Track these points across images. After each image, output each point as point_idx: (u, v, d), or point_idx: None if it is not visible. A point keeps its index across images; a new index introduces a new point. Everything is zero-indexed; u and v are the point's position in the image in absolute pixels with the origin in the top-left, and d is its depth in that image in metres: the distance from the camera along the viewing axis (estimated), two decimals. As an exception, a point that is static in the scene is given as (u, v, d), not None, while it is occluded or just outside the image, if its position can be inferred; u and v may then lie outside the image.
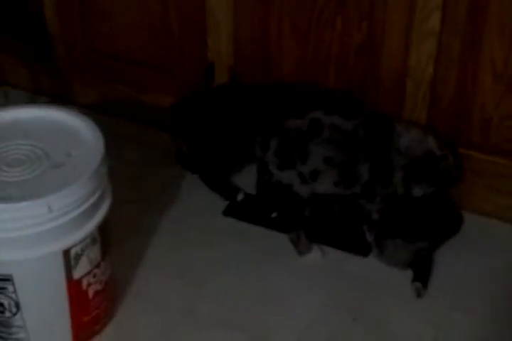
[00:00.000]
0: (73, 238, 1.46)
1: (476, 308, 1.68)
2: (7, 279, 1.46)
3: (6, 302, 1.50)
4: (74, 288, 1.51)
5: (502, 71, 1.68)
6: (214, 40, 1.94)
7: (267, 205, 1.86)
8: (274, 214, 1.84)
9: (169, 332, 1.64)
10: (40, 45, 2.16)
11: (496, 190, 1.82)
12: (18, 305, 1.50)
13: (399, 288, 1.72)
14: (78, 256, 1.48)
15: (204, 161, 1.91)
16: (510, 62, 1.66)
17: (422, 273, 1.73)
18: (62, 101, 2.14)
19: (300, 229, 1.77)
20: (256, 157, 1.77)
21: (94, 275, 1.54)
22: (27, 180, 1.44)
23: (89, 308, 1.58)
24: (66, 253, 1.46)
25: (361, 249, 1.80)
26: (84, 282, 1.53)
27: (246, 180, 1.93)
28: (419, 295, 1.70)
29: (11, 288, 1.47)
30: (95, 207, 1.49)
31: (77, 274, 1.50)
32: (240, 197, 1.91)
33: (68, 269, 1.48)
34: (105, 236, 1.55)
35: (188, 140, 1.89)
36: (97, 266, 1.54)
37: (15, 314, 1.52)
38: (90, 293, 1.55)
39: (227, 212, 1.91)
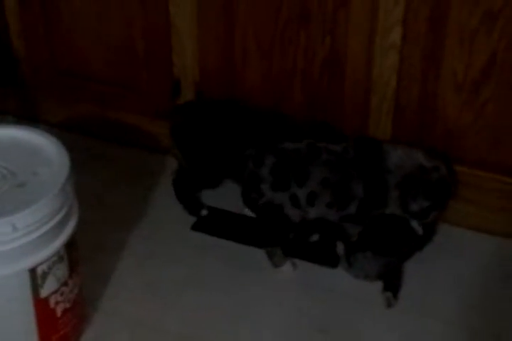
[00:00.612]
0: (39, 256, 1.45)
1: (445, 316, 1.69)
2: (-27, 298, 1.45)
3: (-28, 322, 1.49)
4: (41, 306, 1.51)
5: (462, 82, 1.70)
6: (179, 57, 1.95)
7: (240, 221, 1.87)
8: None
9: (138, 348, 1.64)
10: (5, 67, 2.16)
11: (459, 198, 1.84)
12: (-16, 325, 1.50)
13: (368, 299, 1.73)
14: (45, 275, 1.48)
15: (193, 169, 1.91)
16: (470, 73, 1.69)
17: (392, 284, 1.74)
18: (29, 120, 2.13)
19: (278, 245, 1.78)
20: (241, 171, 1.76)
21: (62, 294, 1.54)
22: (-9, 199, 1.44)
23: (58, 326, 1.56)
24: (32, 271, 1.45)
25: (330, 261, 1.81)
26: (52, 300, 1.52)
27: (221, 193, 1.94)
28: (389, 305, 1.71)
29: (-23, 307, 1.47)
30: (61, 224, 1.48)
31: (44, 292, 1.49)
32: (203, 212, 1.91)
33: (35, 287, 1.47)
34: (72, 253, 1.54)
35: (184, 150, 1.89)
36: (65, 283, 1.53)
37: (-18, 333, 1.51)
38: (58, 311, 1.54)
39: (195, 227, 1.91)
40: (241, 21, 1.84)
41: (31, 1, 2.02)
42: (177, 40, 1.91)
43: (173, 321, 1.69)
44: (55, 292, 1.51)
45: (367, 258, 1.75)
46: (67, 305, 1.56)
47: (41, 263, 1.46)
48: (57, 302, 1.53)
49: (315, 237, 1.84)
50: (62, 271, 1.51)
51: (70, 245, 1.52)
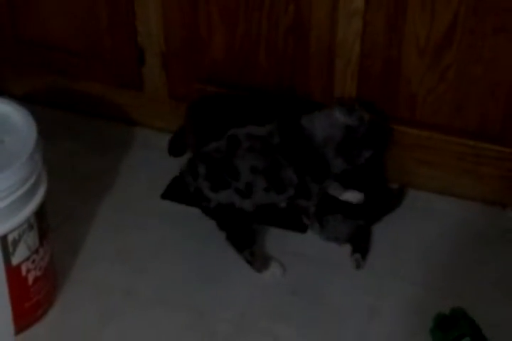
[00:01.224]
0: (10, 224, 1.46)
1: (413, 277, 1.73)
2: None
3: None
4: (13, 274, 1.51)
5: (425, 46, 1.72)
6: (143, 25, 1.94)
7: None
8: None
9: (112, 314, 1.65)
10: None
11: (424, 163, 1.88)
12: (-43, 294, 1.50)
13: (338, 263, 1.76)
14: (16, 242, 1.48)
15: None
16: (433, 37, 1.71)
17: (360, 246, 1.77)
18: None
19: (252, 245, 1.75)
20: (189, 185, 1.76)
21: (33, 261, 1.55)
22: (-41, 167, 1.43)
23: (30, 294, 1.58)
24: (3, 239, 1.46)
25: (299, 226, 1.83)
26: (24, 268, 1.53)
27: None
28: (358, 266, 1.74)
29: (-51, 277, 1.47)
30: (31, 193, 1.49)
31: (15, 260, 1.50)
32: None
33: (6, 255, 1.48)
34: (42, 222, 1.55)
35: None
36: (36, 251, 1.54)
37: (-46, 303, 1.52)
38: (30, 279, 1.56)
39: (165, 195, 1.92)
40: (205, -12, 1.85)
41: (-8, -30, 2.01)
42: (141, 7, 1.91)
43: (144, 287, 1.71)
44: (26, 260, 1.52)
45: (337, 220, 1.78)
46: (39, 273, 1.57)
47: (12, 231, 1.46)
48: (28, 270, 1.54)
49: (283, 204, 1.87)
50: (32, 238, 1.52)
51: (40, 213, 1.53)
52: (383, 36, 1.74)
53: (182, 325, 1.64)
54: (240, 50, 1.90)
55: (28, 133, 1.49)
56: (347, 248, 1.78)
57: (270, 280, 1.72)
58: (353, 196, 1.81)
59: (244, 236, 1.74)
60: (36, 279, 1.57)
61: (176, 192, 1.92)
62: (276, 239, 1.81)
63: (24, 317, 1.60)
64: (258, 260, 1.74)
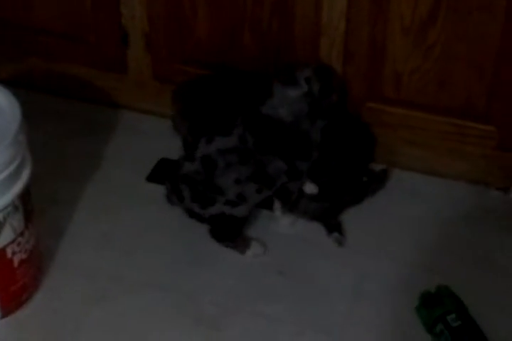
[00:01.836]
0: (-6, 206, 1.45)
1: (399, 256, 1.73)
2: None
3: None
4: (-2, 256, 1.51)
5: (409, 25, 1.72)
6: (127, 7, 1.93)
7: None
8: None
9: (98, 297, 1.65)
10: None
11: (409, 142, 1.88)
12: None
13: (323, 242, 1.76)
14: (1, 225, 1.48)
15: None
16: (417, 16, 1.70)
17: (331, 224, 1.78)
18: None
19: (235, 238, 1.75)
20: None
21: (19, 244, 1.54)
22: None
23: (16, 277, 1.57)
24: (-12, 221, 1.46)
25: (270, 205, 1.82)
26: (9, 251, 1.52)
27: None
28: (340, 243, 1.75)
29: None
30: (15, 175, 1.48)
31: (0, 243, 1.49)
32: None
33: (-9, 238, 1.48)
34: (27, 204, 1.54)
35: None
36: (21, 234, 1.54)
37: None
38: (16, 262, 1.55)
39: (150, 178, 1.92)
40: (188, -32, 1.84)
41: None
42: (124, -11, 1.90)
43: (131, 270, 1.71)
44: (11, 242, 1.52)
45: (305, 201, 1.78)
46: (24, 256, 1.56)
47: (-4, 213, 1.46)
48: (14, 253, 1.53)
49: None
50: (17, 221, 1.51)
51: (25, 196, 1.52)
52: (368, 15, 1.74)
53: (169, 307, 1.64)
54: (225, 30, 1.89)
55: (12, 115, 1.48)
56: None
57: (256, 261, 1.72)
58: (308, 188, 1.78)
59: (231, 234, 1.75)
60: (22, 262, 1.56)
61: (162, 174, 1.92)
62: (260, 220, 1.81)
63: (10, 300, 1.59)
64: (239, 244, 1.74)
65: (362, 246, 1.76)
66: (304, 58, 1.84)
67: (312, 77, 1.69)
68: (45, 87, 2.13)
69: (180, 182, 1.70)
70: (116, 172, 1.93)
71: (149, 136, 2.01)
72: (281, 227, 1.80)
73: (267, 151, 1.67)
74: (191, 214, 1.72)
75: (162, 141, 1.99)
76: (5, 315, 1.60)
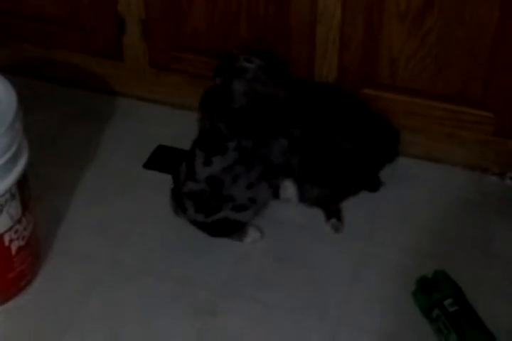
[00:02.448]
0: (-9, 193, 1.45)
1: (396, 241, 1.74)
2: None
3: None
4: (-4, 244, 1.51)
5: (405, 12, 1.72)
6: (123, -7, 1.94)
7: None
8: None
9: (95, 284, 1.65)
10: None
11: (406, 128, 1.88)
12: None
13: (320, 229, 1.77)
14: (-2, 212, 1.48)
15: None
16: (413, 2, 1.70)
17: (331, 210, 1.78)
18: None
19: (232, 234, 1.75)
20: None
21: (16, 231, 1.54)
22: None
23: (13, 264, 1.57)
24: (-15, 209, 1.46)
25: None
26: (6, 238, 1.52)
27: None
28: (337, 230, 1.75)
29: None
30: (12, 162, 1.48)
31: (-3, 230, 1.50)
32: None
33: (-12, 225, 1.48)
34: (24, 191, 1.54)
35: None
36: (18, 221, 1.54)
37: None
38: (13, 249, 1.55)
39: (147, 165, 1.92)
40: (184, -44, 1.83)
41: None
42: (119, -25, 1.90)
43: (127, 257, 1.71)
44: (9, 230, 1.52)
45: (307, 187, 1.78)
46: (22, 243, 1.57)
47: (-7, 201, 1.46)
48: (11, 240, 1.54)
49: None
50: (15, 208, 1.51)
51: (22, 183, 1.52)
52: (364, 2, 1.74)
53: (166, 294, 1.64)
54: (221, 17, 1.88)
55: (8, 103, 1.48)
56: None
57: (254, 248, 1.73)
58: (286, 190, 1.79)
59: (229, 234, 1.74)
60: (19, 249, 1.56)
61: (159, 161, 1.92)
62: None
63: (8, 287, 1.60)
64: (235, 234, 1.74)
65: (359, 232, 1.77)
66: (300, 46, 1.85)
67: (248, 57, 1.68)
68: (42, 74, 2.13)
69: (185, 199, 1.70)
70: (113, 159, 1.93)
71: (146, 123, 2.01)
72: (280, 212, 1.78)
73: (265, 140, 1.67)
74: (194, 223, 1.72)
75: (159, 128, 2.00)
76: (3, 302, 1.60)
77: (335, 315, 1.61)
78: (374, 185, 1.85)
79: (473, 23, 1.69)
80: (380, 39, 1.78)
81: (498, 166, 1.88)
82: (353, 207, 1.82)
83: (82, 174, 1.89)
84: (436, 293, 1.56)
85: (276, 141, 1.68)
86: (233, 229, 1.72)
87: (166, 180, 1.83)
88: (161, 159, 1.93)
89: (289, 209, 1.81)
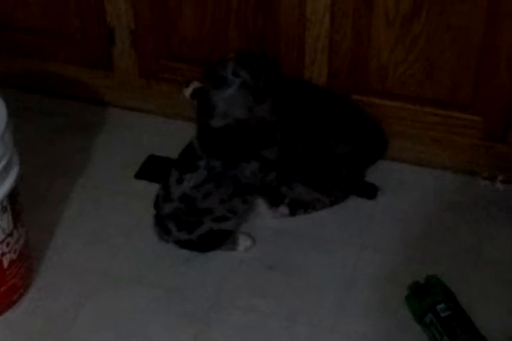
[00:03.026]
0: (-18, 207, 1.45)
1: (386, 247, 1.74)
2: None
3: None
4: (-13, 257, 1.51)
5: (393, 18, 1.72)
6: (112, 4, 1.92)
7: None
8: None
9: (88, 296, 1.65)
10: None
11: (396, 133, 1.88)
12: None
13: (312, 236, 1.77)
14: (-11, 226, 1.48)
15: None
16: (401, 9, 1.71)
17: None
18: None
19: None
20: None
21: (8, 244, 1.54)
22: None
23: (5, 278, 1.57)
24: (-24, 222, 1.46)
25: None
26: (-2, 251, 1.53)
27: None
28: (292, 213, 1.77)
29: None
30: (3, 175, 1.48)
31: (-11, 243, 1.50)
32: None
33: (-20, 238, 1.48)
34: (16, 204, 1.54)
35: None
36: (10, 234, 1.53)
37: None
38: (5, 263, 1.55)
39: (138, 175, 1.92)
40: (172, -35, 1.83)
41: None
42: (108, -14, 1.90)
43: (121, 267, 1.71)
44: (0, 243, 1.51)
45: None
46: (14, 256, 1.56)
47: (-16, 214, 1.46)
48: (3, 254, 1.53)
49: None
50: (6, 221, 1.51)
51: (13, 196, 1.52)
52: (352, 8, 1.74)
53: (160, 304, 1.64)
54: (210, 26, 1.89)
55: (-2, 115, 1.49)
56: (322, 221, 1.79)
57: (246, 256, 1.73)
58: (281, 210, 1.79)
59: (218, 246, 1.74)
60: (11, 262, 1.56)
61: (150, 171, 1.92)
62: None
63: (0, 301, 1.59)
64: (226, 243, 1.74)
65: (350, 238, 1.77)
66: (290, 53, 1.85)
67: (237, 68, 1.65)
68: (31, 86, 2.13)
69: (166, 221, 1.69)
70: (105, 169, 1.93)
71: (137, 133, 2.01)
72: (271, 220, 1.79)
73: (235, 162, 1.65)
74: (181, 244, 1.71)
75: (150, 137, 2.00)
76: (-4, 315, 1.61)
77: (328, 321, 1.61)
78: (371, 191, 1.85)
79: (460, 29, 1.69)
80: (369, 46, 1.78)
81: (488, 170, 1.88)
82: (345, 212, 1.82)
83: (74, 185, 1.89)
84: (428, 298, 1.56)
85: (247, 164, 1.65)
86: (221, 239, 1.72)
87: (156, 190, 1.85)
88: (153, 169, 1.93)
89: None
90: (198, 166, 1.65)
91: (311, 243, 1.76)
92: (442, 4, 1.67)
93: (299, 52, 1.84)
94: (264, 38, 1.86)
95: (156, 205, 1.72)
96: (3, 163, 1.47)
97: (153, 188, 1.84)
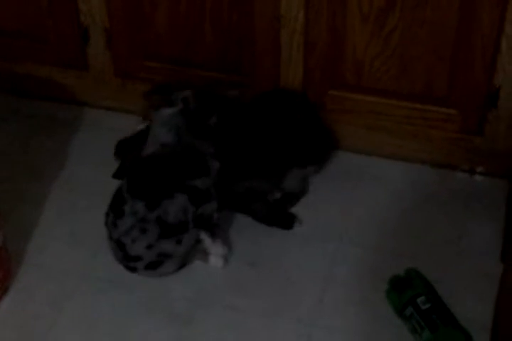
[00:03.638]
0: (-43, 209, 1.44)
1: (364, 241, 1.75)
2: None
3: None
4: (-36, 259, 1.50)
5: (368, 13, 1.72)
6: (85, 3, 1.91)
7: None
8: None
9: (68, 297, 1.64)
10: None
11: (373, 128, 1.89)
12: None
13: (292, 232, 1.77)
14: (-36, 228, 1.47)
15: None
16: (375, 4, 1.71)
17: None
18: None
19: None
20: None
21: (-15, 246, 1.53)
22: None
23: (-17, 280, 1.56)
24: (-49, 224, 1.44)
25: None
26: (-25, 253, 1.52)
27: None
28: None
29: None
30: (-23, 177, 1.48)
31: (-35, 246, 1.49)
32: None
33: (-44, 241, 1.47)
34: (-8, 206, 1.54)
35: None
36: (-14, 236, 1.53)
37: None
38: (-18, 265, 1.54)
39: (116, 175, 1.90)
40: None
41: None
42: (80, -15, 1.89)
43: (100, 269, 1.70)
44: (-23, 245, 1.51)
45: None
46: (-9, 259, 1.56)
47: (-41, 216, 1.44)
48: (-20, 256, 1.53)
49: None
50: (-18, 223, 1.51)
51: (-12, 198, 1.52)
52: (327, 4, 1.74)
53: (141, 304, 1.63)
54: (185, 24, 1.89)
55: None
56: (301, 217, 1.79)
57: (229, 253, 1.71)
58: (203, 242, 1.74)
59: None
60: (-11, 265, 1.55)
61: (126, 166, 1.91)
62: (227, 214, 1.80)
63: (-21, 303, 1.58)
64: (199, 255, 1.71)
65: (329, 233, 1.77)
66: (265, 51, 1.85)
67: (190, 97, 1.67)
68: (6, 87, 2.11)
69: (152, 226, 1.64)
70: (82, 170, 1.92)
71: (114, 133, 1.99)
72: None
73: (157, 200, 1.61)
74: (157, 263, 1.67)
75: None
76: (-25, 318, 1.59)
77: (309, 316, 1.61)
78: (287, 221, 1.80)
79: (434, 23, 1.70)
80: (344, 41, 1.78)
81: (466, 163, 1.88)
82: (323, 208, 1.82)
83: (51, 186, 1.87)
84: (408, 291, 1.56)
85: (172, 200, 1.62)
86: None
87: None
88: (126, 151, 1.90)
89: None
90: (124, 211, 1.62)
91: (291, 239, 1.76)
92: (416, -2, 1.69)
93: (275, 49, 1.84)
94: (239, 35, 1.86)
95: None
96: (-21, 165, 1.46)
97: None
